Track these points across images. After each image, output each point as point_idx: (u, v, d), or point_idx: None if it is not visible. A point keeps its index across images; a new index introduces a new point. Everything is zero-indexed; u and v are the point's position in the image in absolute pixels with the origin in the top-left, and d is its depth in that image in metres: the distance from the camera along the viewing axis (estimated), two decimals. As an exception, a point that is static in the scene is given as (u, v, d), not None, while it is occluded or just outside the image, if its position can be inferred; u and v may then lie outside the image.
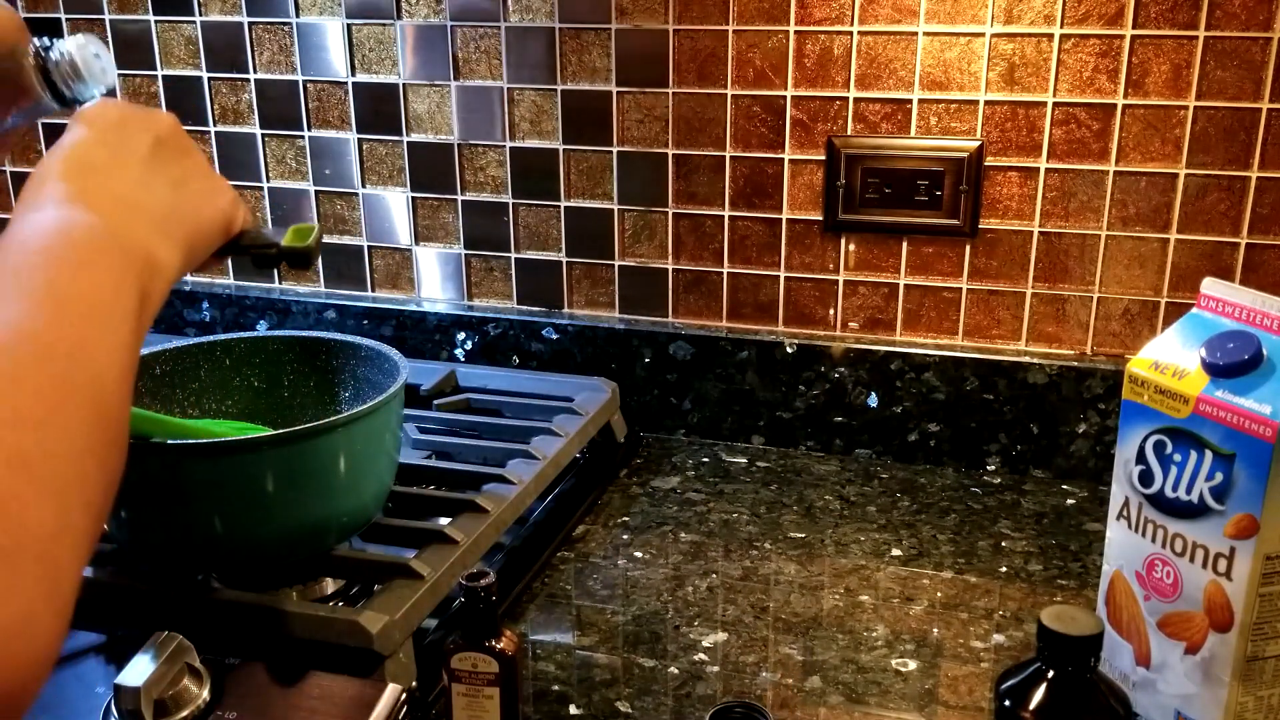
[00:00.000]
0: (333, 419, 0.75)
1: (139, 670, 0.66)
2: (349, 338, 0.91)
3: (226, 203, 0.63)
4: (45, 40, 0.65)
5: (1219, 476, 0.63)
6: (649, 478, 1.09)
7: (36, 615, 0.38)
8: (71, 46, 0.65)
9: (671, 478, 1.09)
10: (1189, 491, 0.65)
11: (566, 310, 1.22)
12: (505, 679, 0.67)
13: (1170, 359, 0.67)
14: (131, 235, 0.52)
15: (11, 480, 0.39)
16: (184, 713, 0.68)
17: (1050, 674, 0.60)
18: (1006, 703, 0.61)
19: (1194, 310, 0.69)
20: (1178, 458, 0.66)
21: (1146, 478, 0.68)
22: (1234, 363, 0.64)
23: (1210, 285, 0.69)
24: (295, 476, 0.75)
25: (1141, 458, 0.68)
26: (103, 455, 0.44)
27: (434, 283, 1.25)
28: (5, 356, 0.42)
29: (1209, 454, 0.64)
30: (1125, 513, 0.70)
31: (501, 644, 0.67)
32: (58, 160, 0.55)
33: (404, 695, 0.70)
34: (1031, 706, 0.60)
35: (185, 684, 0.68)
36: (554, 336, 1.20)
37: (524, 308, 1.23)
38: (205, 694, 0.69)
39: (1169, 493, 0.67)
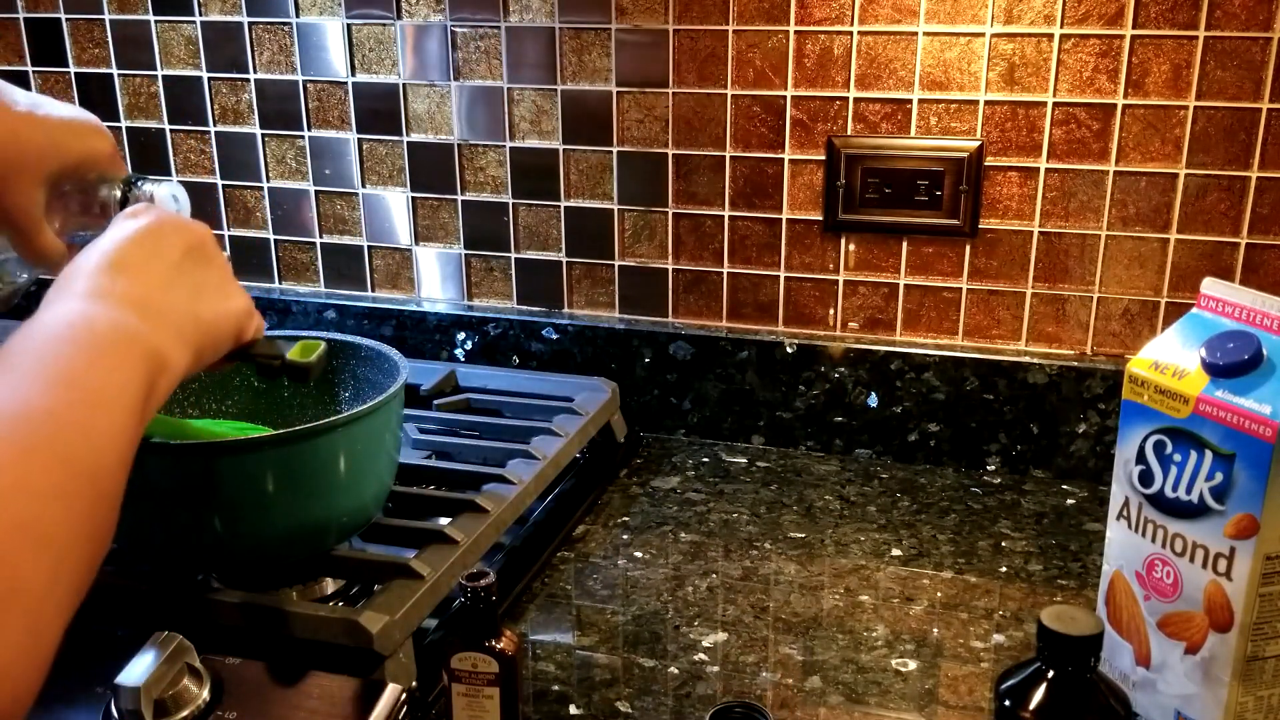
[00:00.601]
0: (333, 419, 0.75)
1: (139, 670, 0.66)
2: (349, 338, 0.91)
3: (241, 314, 0.67)
4: (134, 175, 0.73)
5: (1219, 476, 0.63)
6: (649, 478, 1.09)
7: (15, 665, 0.41)
8: (155, 188, 0.73)
9: (671, 478, 1.09)
10: (1189, 491, 0.65)
11: (566, 310, 1.22)
12: (505, 679, 0.67)
13: (1170, 359, 0.67)
14: (149, 335, 0.56)
15: (11, 541, 0.42)
16: (184, 713, 0.68)
17: (1050, 674, 0.60)
18: (1006, 703, 0.61)
19: (1194, 310, 0.69)
20: (1178, 458, 0.66)
21: (1146, 478, 0.68)
22: (1234, 363, 0.64)
23: (1210, 285, 0.69)
24: (295, 476, 0.75)
25: (1141, 458, 0.68)
26: (94, 530, 0.48)
27: (434, 283, 1.25)
28: (20, 429, 0.46)
29: (1209, 454, 0.64)
30: (1125, 513, 0.70)
31: (501, 644, 0.67)
32: (95, 255, 0.60)
33: (404, 695, 0.70)
34: (1031, 706, 0.60)
35: (185, 684, 0.68)
36: (554, 336, 1.20)
37: (524, 308, 1.23)
38: (205, 694, 0.69)
39: (1169, 493, 0.67)
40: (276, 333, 0.77)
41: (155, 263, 0.61)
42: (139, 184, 0.73)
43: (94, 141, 0.72)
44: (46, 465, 0.46)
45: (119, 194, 0.72)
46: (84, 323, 0.54)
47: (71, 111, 0.71)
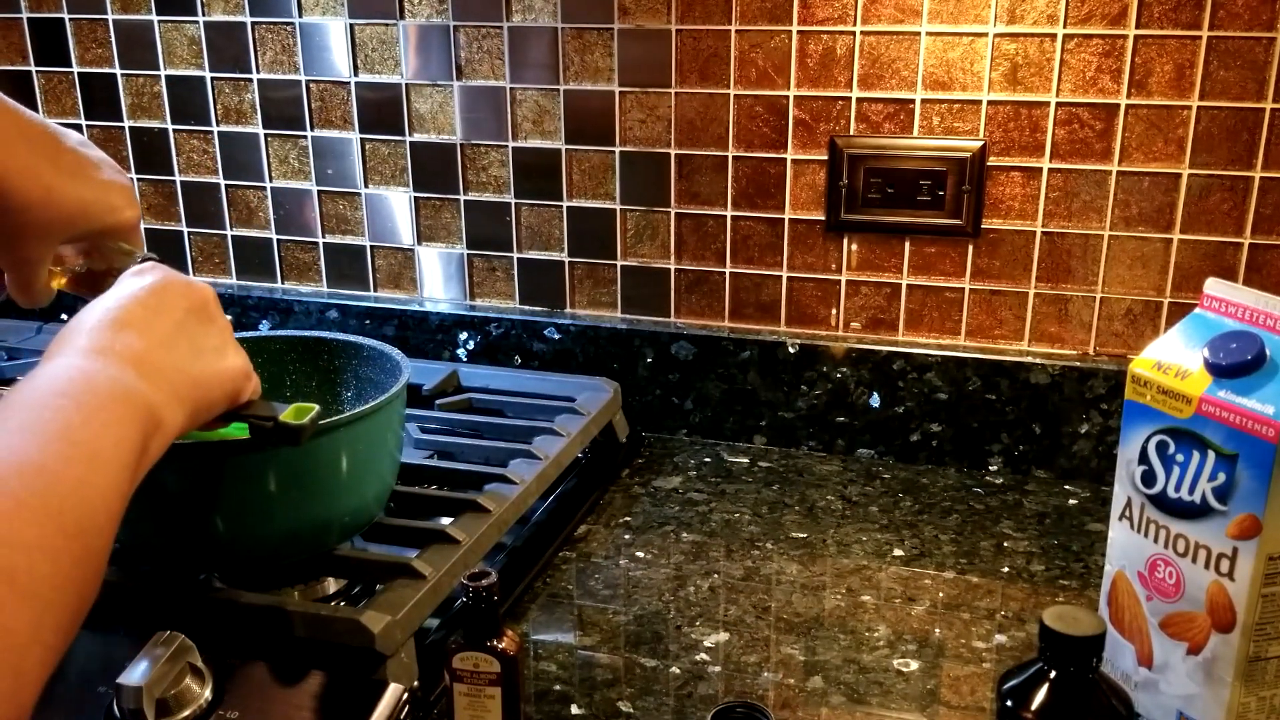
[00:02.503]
0: (335, 419, 0.75)
1: (141, 670, 0.66)
2: (351, 338, 0.91)
3: (239, 375, 0.68)
4: (146, 254, 0.73)
5: (1221, 477, 0.63)
6: (651, 478, 1.09)
7: None
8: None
9: (673, 478, 1.09)
10: (1191, 492, 0.65)
11: (568, 310, 1.22)
12: (507, 679, 0.67)
13: (1173, 359, 0.67)
14: (145, 394, 0.57)
15: None
16: (186, 712, 0.68)
17: (1052, 674, 0.60)
18: (1008, 703, 0.61)
19: (1197, 310, 0.69)
20: (1180, 458, 0.66)
21: (1149, 478, 0.68)
22: (1237, 363, 0.64)
23: (1213, 285, 0.69)
24: (297, 476, 0.75)
25: (1144, 458, 0.68)
26: (80, 585, 0.48)
27: (436, 283, 1.25)
28: (13, 483, 0.47)
29: (1211, 454, 0.64)
30: (1127, 513, 0.70)
31: (503, 644, 0.67)
32: (99, 311, 0.61)
33: (405, 695, 0.70)
34: (1033, 707, 0.59)
35: (187, 683, 0.68)
36: (556, 336, 1.20)
37: (526, 308, 1.23)
38: (207, 693, 0.69)
39: (1171, 493, 0.66)
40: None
41: (158, 321, 0.62)
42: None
43: (121, 215, 0.72)
44: (36, 519, 0.46)
45: (139, 261, 0.72)
46: (83, 379, 0.55)
47: (109, 176, 0.71)
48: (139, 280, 0.64)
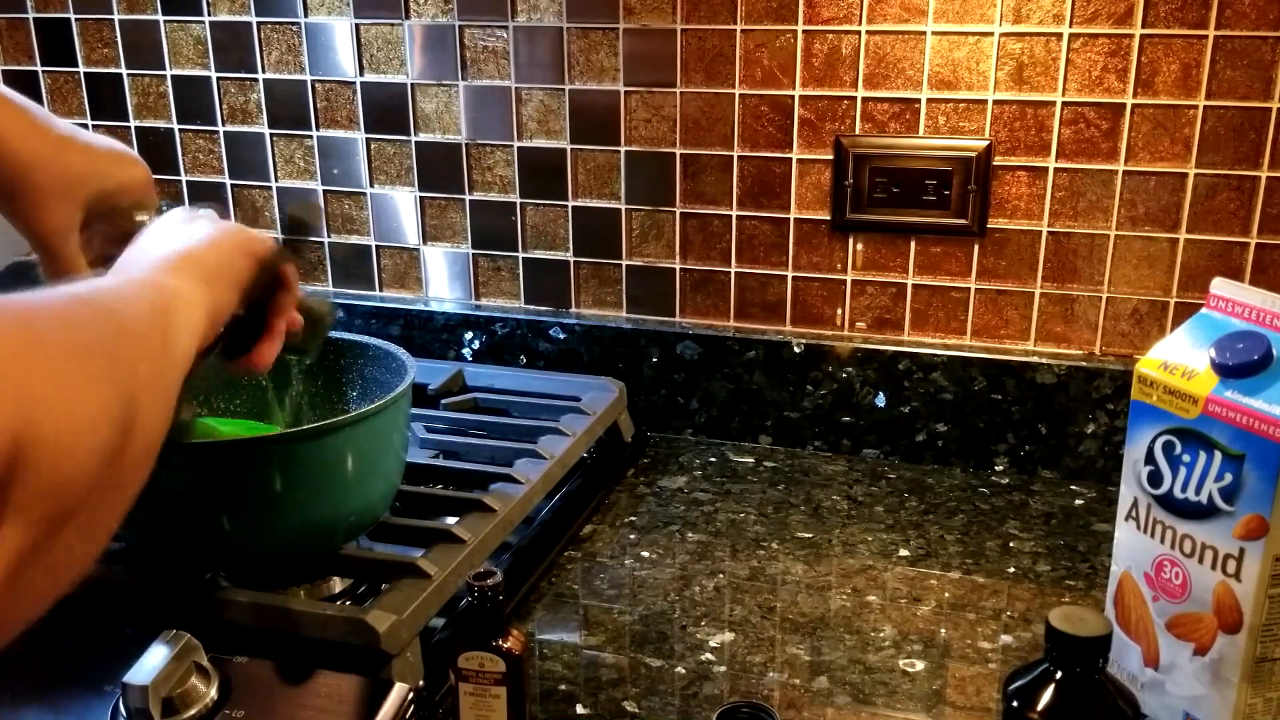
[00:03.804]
0: (340, 418, 0.75)
1: (147, 668, 0.66)
2: (357, 337, 0.91)
3: (251, 242, 0.68)
4: (166, 201, 0.75)
5: (1228, 477, 0.63)
6: (656, 477, 1.09)
7: (69, 397, 0.41)
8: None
9: (679, 477, 1.09)
10: (1198, 492, 0.65)
11: (574, 310, 1.22)
12: (512, 678, 0.67)
13: (1179, 359, 0.67)
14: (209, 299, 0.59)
15: (45, 353, 0.41)
16: (192, 711, 0.68)
17: (1059, 675, 0.60)
18: (1014, 703, 0.61)
19: (1203, 310, 0.69)
20: (1187, 458, 0.66)
21: (1155, 478, 0.68)
22: (1243, 363, 0.64)
23: (1220, 285, 0.68)
24: (303, 476, 0.76)
25: (1150, 458, 0.68)
26: (144, 440, 0.48)
27: (441, 282, 1.25)
28: (71, 332, 0.45)
29: (1218, 455, 0.64)
30: (1134, 513, 0.70)
31: (509, 643, 0.67)
32: (160, 239, 0.63)
33: (411, 694, 0.70)
34: (1039, 707, 0.59)
35: (193, 682, 0.68)
36: (561, 336, 1.20)
37: (531, 307, 1.23)
38: (213, 692, 0.69)
39: (1178, 493, 0.66)
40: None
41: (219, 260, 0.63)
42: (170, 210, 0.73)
43: (133, 170, 0.73)
44: (89, 348, 0.45)
45: (151, 219, 0.73)
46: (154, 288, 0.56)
47: (110, 141, 0.72)
48: (202, 223, 0.66)
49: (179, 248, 0.61)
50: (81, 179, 0.69)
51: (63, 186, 0.68)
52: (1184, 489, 0.66)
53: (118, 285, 0.55)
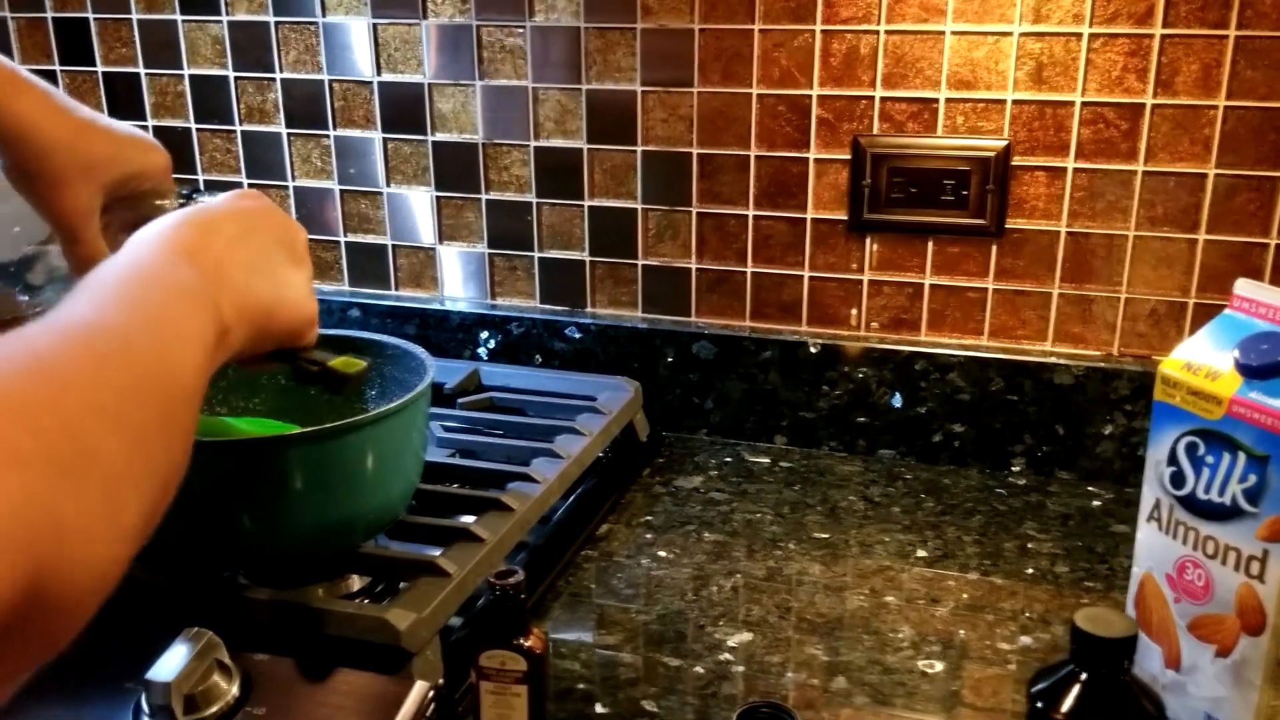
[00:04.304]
0: (360, 417, 0.75)
1: (169, 665, 0.66)
2: (376, 336, 0.91)
3: (306, 318, 0.67)
4: (187, 191, 0.74)
5: (1252, 479, 0.63)
6: (672, 477, 1.09)
7: (96, 527, 0.41)
8: (209, 199, 0.72)
9: (694, 477, 1.09)
10: (1221, 494, 0.65)
11: (589, 309, 1.22)
12: (534, 677, 0.67)
13: (1203, 360, 0.67)
14: (219, 305, 0.56)
15: (85, 421, 0.42)
16: (213, 708, 0.68)
17: (1083, 676, 0.59)
18: (1039, 704, 0.60)
19: (1227, 311, 0.69)
20: (1210, 460, 0.65)
21: (1178, 479, 0.68)
22: (1268, 364, 0.63)
23: (1243, 286, 0.68)
24: (323, 474, 0.76)
25: (1173, 459, 0.68)
26: (166, 441, 0.47)
27: (457, 282, 1.25)
28: (97, 340, 0.46)
29: (1242, 456, 0.63)
30: (1156, 514, 0.70)
31: (530, 642, 0.67)
32: (197, 214, 0.61)
33: (431, 692, 0.71)
34: (1064, 709, 0.59)
35: (215, 680, 0.69)
36: (577, 336, 1.20)
37: (547, 307, 1.23)
38: (234, 690, 0.69)
39: (1201, 495, 0.66)
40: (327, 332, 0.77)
41: (248, 242, 0.62)
42: (192, 196, 0.74)
43: (153, 155, 0.73)
44: (120, 369, 0.45)
45: (172, 205, 0.73)
46: (168, 269, 0.54)
47: (130, 127, 0.73)
48: (240, 200, 0.65)
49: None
50: (103, 162, 0.69)
51: (84, 169, 0.68)
52: (1207, 490, 0.66)
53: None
